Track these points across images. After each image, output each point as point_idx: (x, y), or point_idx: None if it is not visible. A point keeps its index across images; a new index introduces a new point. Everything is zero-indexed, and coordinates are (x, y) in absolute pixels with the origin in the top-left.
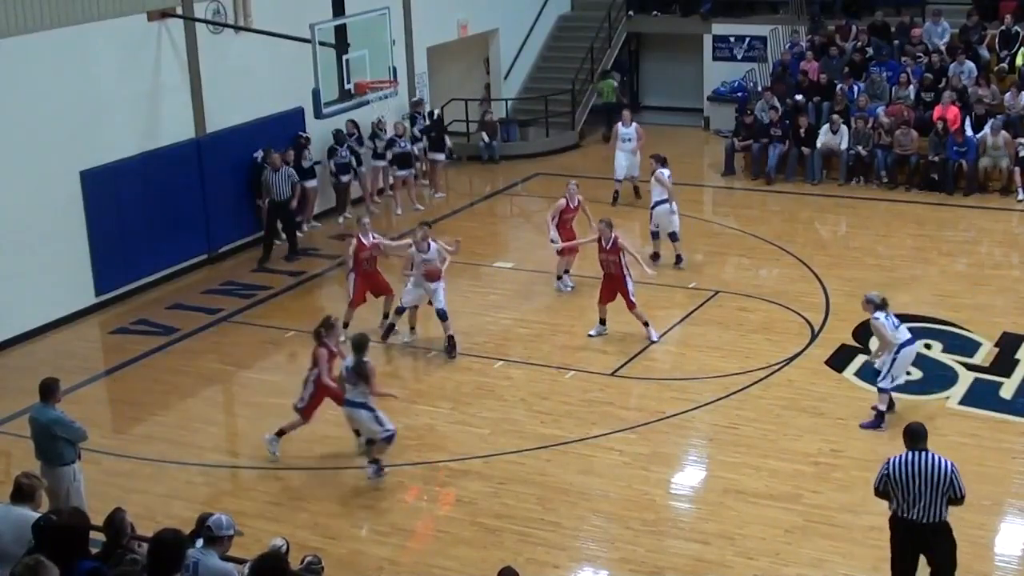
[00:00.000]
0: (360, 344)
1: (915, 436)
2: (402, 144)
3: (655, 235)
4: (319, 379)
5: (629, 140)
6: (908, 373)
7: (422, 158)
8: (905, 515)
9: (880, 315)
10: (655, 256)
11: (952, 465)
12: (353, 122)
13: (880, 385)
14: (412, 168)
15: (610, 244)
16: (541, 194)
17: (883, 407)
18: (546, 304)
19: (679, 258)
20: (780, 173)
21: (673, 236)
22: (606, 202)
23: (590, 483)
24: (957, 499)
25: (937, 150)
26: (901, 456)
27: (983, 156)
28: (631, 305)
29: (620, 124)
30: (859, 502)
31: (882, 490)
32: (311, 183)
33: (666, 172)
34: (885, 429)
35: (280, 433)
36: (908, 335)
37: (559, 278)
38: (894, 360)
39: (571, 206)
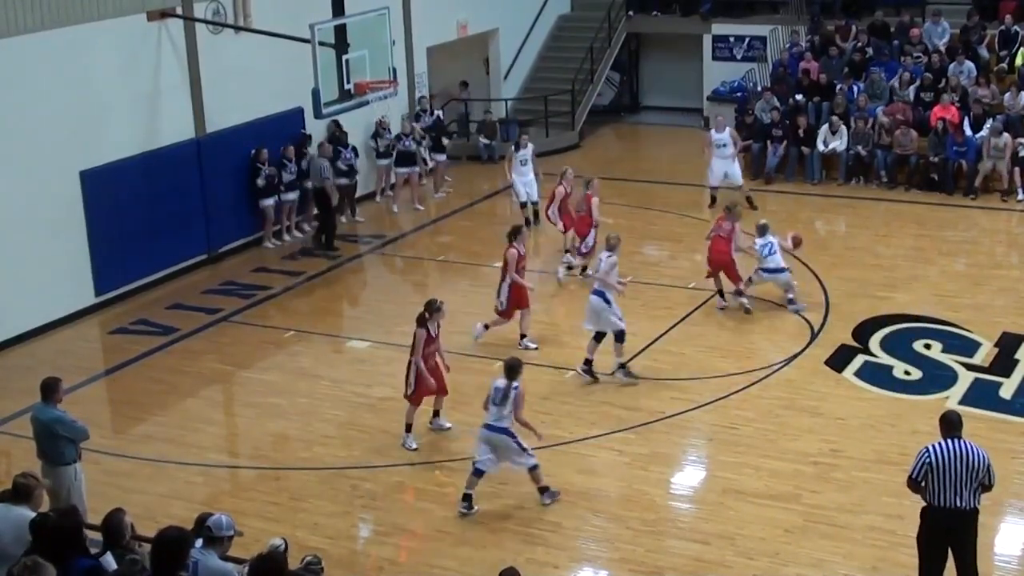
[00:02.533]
0: (513, 368)
1: (952, 424)
2: (406, 143)
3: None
4: (415, 363)
5: (724, 145)
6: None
7: (427, 157)
8: (942, 503)
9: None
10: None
11: (986, 453)
12: (336, 123)
13: None
14: (415, 166)
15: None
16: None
17: None
18: (546, 304)
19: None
20: (780, 173)
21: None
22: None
23: (590, 483)
24: (989, 486)
25: (937, 150)
26: (940, 444)
27: (983, 156)
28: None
29: (713, 130)
30: (859, 502)
31: (919, 478)
32: (309, 184)
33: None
34: None
35: (408, 428)
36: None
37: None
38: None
39: (568, 191)
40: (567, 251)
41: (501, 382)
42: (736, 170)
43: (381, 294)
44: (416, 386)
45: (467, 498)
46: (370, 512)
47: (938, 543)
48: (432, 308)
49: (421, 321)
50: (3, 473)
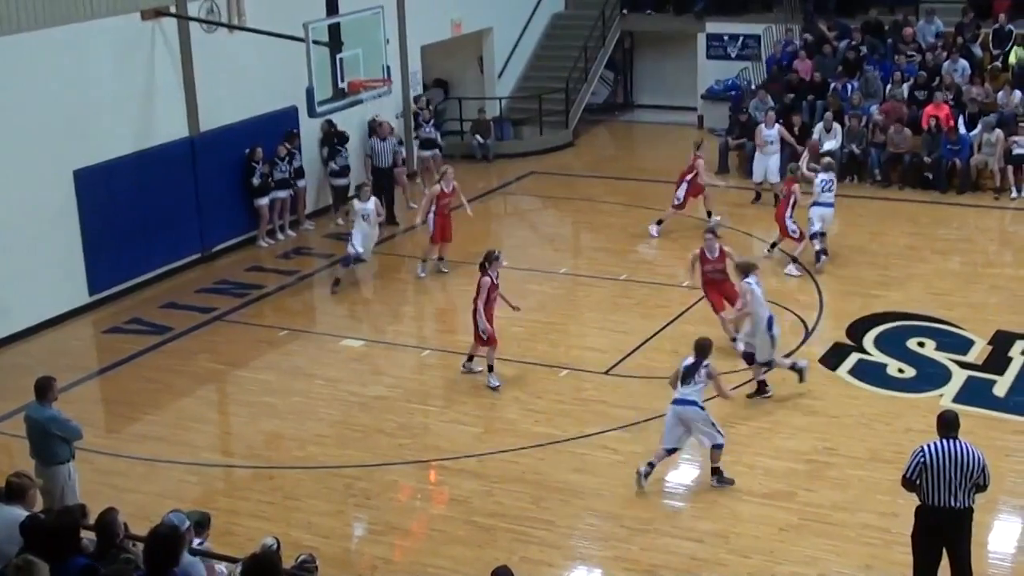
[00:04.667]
0: (703, 347)
1: (949, 424)
2: (427, 129)
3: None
4: (478, 306)
5: (772, 143)
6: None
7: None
8: (936, 503)
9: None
10: (824, 252)
11: (982, 453)
12: (330, 122)
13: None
14: (435, 149)
15: (716, 254)
16: (535, 193)
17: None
18: (540, 303)
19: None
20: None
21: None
22: (603, 200)
23: (584, 482)
24: (983, 487)
25: (930, 148)
26: (936, 443)
27: (976, 154)
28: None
29: (763, 125)
30: (853, 500)
31: (914, 478)
32: (301, 182)
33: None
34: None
35: (490, 368)
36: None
37: (424, 261)
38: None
39: (446, 191)
40: (424, 260)
41: (690, 360)
42: (775, 167)
43: (375, 293)
44: (487, 327)
45: (651, 465)
46: (364, 511)
47: (932, 542)
48: (491, 258)
49: (483, 270)
50: None
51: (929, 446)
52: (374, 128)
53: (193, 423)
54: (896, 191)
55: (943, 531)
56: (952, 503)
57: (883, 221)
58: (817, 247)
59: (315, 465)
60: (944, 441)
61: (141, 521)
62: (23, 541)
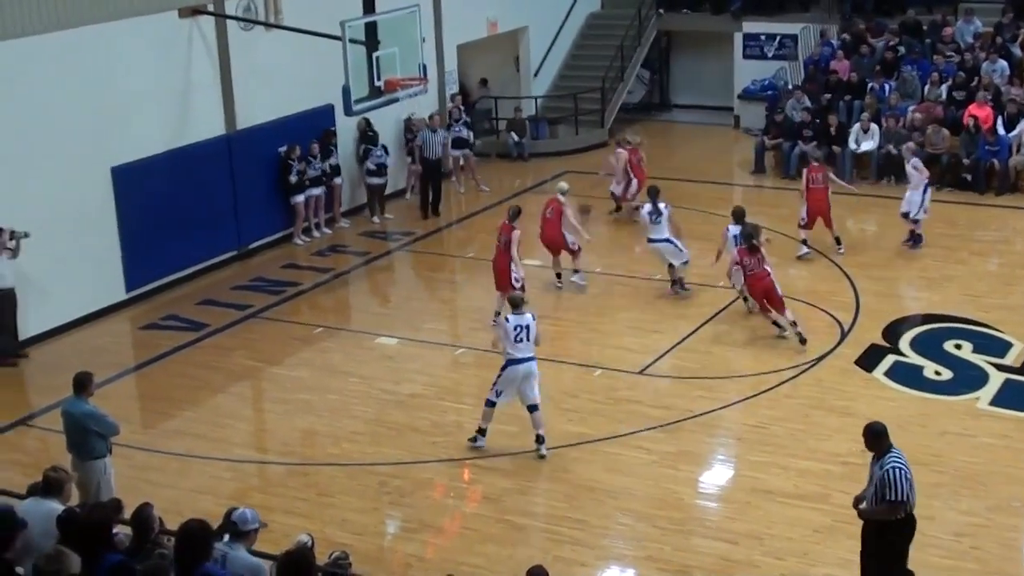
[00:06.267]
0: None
1: (885, 433)
2: (458, 128)
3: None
4: (515, 255)
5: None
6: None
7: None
8: (912, 511)
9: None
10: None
11: None
12: (367, 120)
13: None
14: (466, 149)
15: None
16: (570, 192)
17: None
18: (574, 302)
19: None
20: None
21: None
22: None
23: (617, 481)
24: None
25: (969, 149)
26: (897, 453)
27: (1015, 155)
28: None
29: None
30: None
31: (905, 497)
32: (337, 180)
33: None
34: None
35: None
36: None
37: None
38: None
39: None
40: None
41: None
42: (915, 199)
43: (410, 291)
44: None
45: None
46: (398, 508)
47: (907, 551)
48: (514, 214)
49: (513, 225)
50: (34, 467)
51: (904, 462)
52: (409, 126)
53: (228, 419)
54: (934, 192)
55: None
56: (914, 509)
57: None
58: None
59: (349, 462)
60: (897, 450)
61: (176, 517)
62: (60, 534)
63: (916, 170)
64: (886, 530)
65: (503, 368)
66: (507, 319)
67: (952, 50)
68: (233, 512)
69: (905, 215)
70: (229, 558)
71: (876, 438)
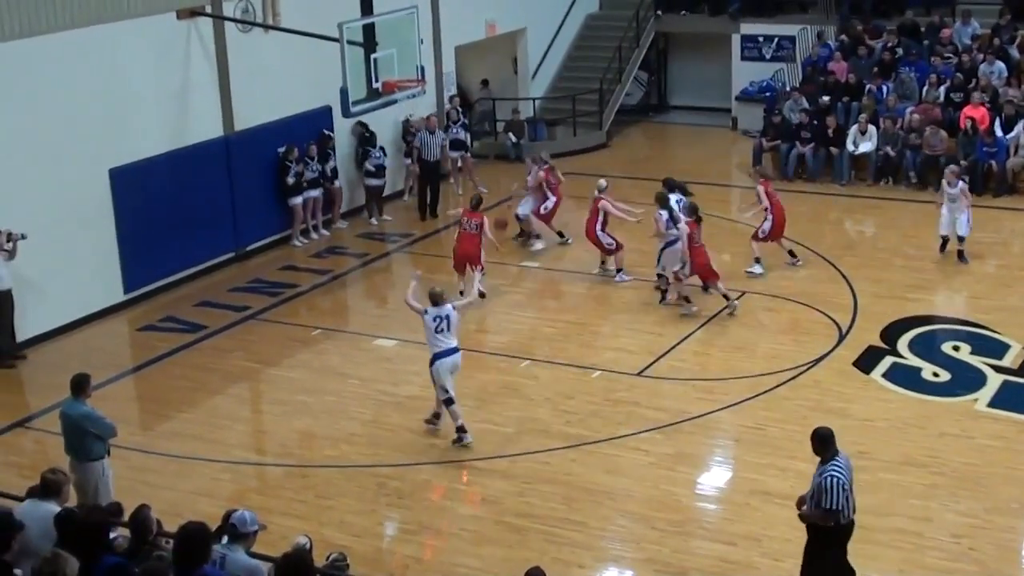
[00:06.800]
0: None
1: (833, 438)
2: (455, 130)
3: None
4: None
5: (954, 201)
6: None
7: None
8: (849, 517)
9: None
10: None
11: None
12: (362, 123)
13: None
14: (463, 150)
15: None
16: (568, 193)
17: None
18: (572, 303)
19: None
20: (800, 174)
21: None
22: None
23: (616, 483)
24: None
25: (966, 151)
26: (840, 462)
27: (1012, 157)
28: None
29: (946, 183)
30: (885, 504)
31: (839, 507)
32: (337, 182)
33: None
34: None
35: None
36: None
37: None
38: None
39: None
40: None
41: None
42: (963, 219)
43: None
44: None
45: None
46: (396, 510)
47: (844, 554)
48: (476, 203)
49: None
50: (32, 468)
51: (840, 469)
52: (408, 128)
53: (226, 421)
54: (931, 193)
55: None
56: (854, 515)
57: (918, 224)
58: None
59: (347, 464)
60: (841, 458)
61: (174, 518)
62: (58, 534)
63: (964, 195)
64: (823, 534)
65: (431, 365)
66: (426, 311)
67: (950, 52)
68: (232, 514)
69: (961, 238)
70: (228, 560)
71: (822, 443)
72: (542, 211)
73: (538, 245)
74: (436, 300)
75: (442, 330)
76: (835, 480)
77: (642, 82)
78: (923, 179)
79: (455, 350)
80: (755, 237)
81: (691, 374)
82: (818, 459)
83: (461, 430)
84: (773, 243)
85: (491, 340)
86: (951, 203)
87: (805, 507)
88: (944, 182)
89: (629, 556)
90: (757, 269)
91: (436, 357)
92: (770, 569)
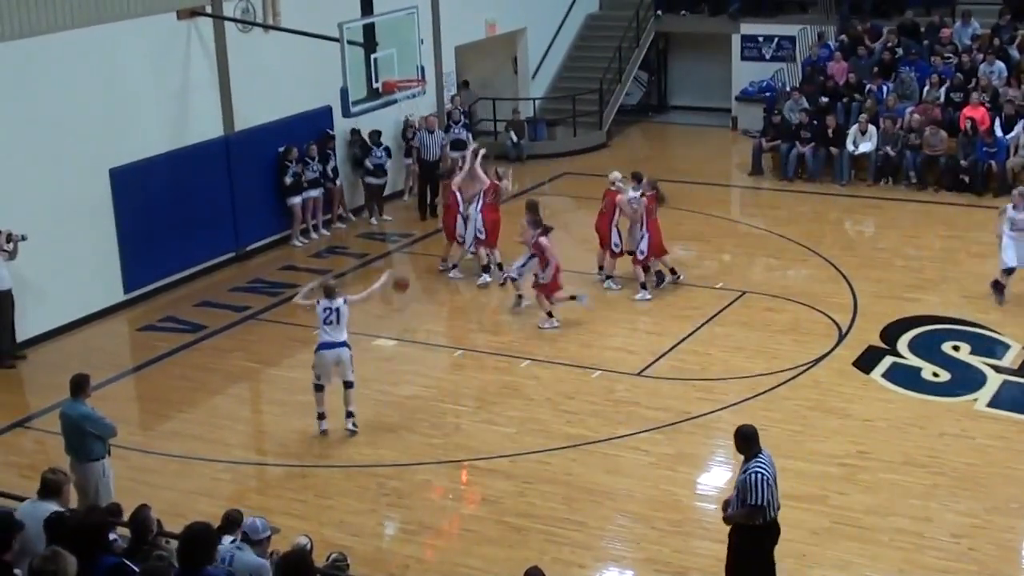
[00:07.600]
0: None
1: (756, 436)
2: (457, 130)
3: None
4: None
5: (1021, 230)
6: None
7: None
8: (773, 516)
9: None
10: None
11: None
12: (355, 131)
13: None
14: (465, 150)
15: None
16: (569, 193)
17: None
18: (572, 304)
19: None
20: (800, 174)
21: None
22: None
23: (616, 483)
24: None
25: (967, 151)
26: (764, 459)
27: (1013, 157)
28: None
29: (1011, 206)
30: (885, 504)
31: (765, 503)
32: (338, 182)
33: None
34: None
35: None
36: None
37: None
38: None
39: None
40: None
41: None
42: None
43: (408, 293)
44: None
45: None
46: (396, 510)
47: (770, 554)
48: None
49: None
50: (32, 469)
51: (764, 466)
52: (408, 126)
53: (226, 421)
54: (931, 193)
55: (774, 543)
56: (777, 514)
57: (918, 224)
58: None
59: (347, 464)
60: (765, 455)
61: (174, 518)
62: (48, 538)
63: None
64: (749, 534)
65: (315, 351)
66: (318, 302)
67: (950, 52)
68: (241, 520)
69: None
70: (236, 559)
71: (745, 441)
72: (540, 281)
73: (484, 278)
74: (329, 293)
75: (331, 322)
76: (760, 476)
77: (642, 82)
78: (923, 179)
79: (342, 344)
80: (634, 260)
81: (691, 374)
82: (742, 457)
83: (321, 417)
84: (657, 260)
85: (491, 340)
86: (1018, 231)
87: (730, 509)
88: (1010, 206)
89: (629, 556)
90: (644, 295)
91: (319, 347)
92: None
